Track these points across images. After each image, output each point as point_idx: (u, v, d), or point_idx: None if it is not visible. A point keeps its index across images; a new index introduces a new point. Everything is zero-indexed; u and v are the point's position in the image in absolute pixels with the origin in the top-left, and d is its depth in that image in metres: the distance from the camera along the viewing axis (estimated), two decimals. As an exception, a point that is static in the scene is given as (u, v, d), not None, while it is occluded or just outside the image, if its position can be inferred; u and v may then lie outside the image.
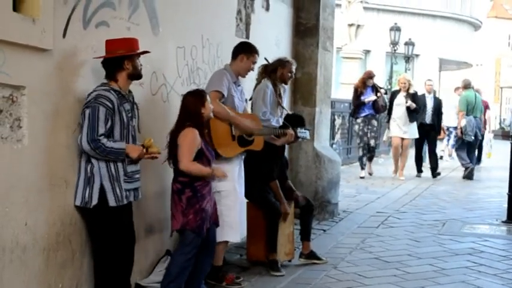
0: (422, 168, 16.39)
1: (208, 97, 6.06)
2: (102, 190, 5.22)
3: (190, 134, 5.87)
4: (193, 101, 5.98)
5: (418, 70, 34.25)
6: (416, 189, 14.03)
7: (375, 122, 15.52)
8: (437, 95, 18.18)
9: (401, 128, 15.47)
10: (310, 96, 10.14)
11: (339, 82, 23.61)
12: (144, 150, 5.39)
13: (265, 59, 7.79)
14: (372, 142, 15.35)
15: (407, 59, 31.33)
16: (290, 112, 8.30)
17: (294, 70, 7.90)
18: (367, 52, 31.16)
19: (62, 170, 5.11)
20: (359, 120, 15.19)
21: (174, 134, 5.91)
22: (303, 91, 10.11)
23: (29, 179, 4.73)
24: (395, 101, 15.50)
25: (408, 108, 15.24)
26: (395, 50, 29.60)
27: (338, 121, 17.93)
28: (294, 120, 7.62)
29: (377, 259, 7.96)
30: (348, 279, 7.08)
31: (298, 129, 7.45)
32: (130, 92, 5.50)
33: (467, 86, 16.74)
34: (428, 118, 16.17)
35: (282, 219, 7.46)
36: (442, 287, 6.86)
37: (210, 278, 6.67)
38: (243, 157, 7.05)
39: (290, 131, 7.32)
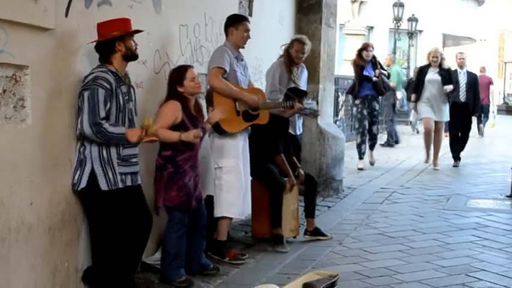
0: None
1: (191, 73, 6.04)
2: (92, 174, 5.15)
3: (168, 105, 5.95)
4: (171, 78, 6.09)
5: (421, 46, 34.03)
6: (420, 164, 14.02)
7: (376, 105, 13.16)
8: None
9: (433, 109, 13.34)
10: (314, 73, 10.10)
11: (342, 59, 23.53)
12: (144, 132, 5.26)
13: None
14: (374, 128, 13.29)
15: (411, 35, 31.17)
16: (302, 88, 8.25)
17: (303, 50, 7.94)
18: (370, 28, 31.02)
19: (66, 149, 5.11)
20: (358, 102, 13.11)
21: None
22: (306, 68, 10.08)
23: (33, 158, 4.74)
24: (427, 77, 13.29)
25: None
26: (398, 26, 29.43)
27: (342, 98, 17.91)
28: (295, 93, 7.60)
29: (382, 235, 7.98)
30: (353, 255, 7.10)
31: (305, 101, 7.45)
32: (126, 74, 5.44)
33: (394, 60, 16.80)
34: (462, 96, 13.73)
35: (288, 190, 7.49)
36: (446, 261, 6.87)
37: (214, 252, 6.71)
38: (248, 134, 7.05)
39: (297, 104, 7.30)
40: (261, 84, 8.19)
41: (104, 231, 5.30)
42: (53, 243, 5.01)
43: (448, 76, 13.26)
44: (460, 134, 13.94)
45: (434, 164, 13.56)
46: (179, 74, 6.04)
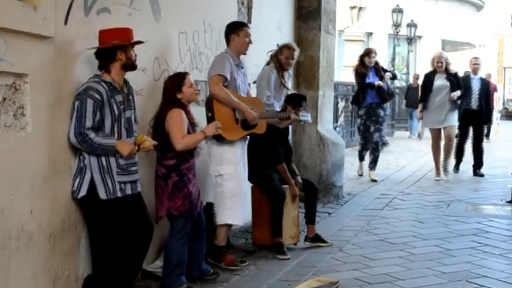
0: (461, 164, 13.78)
1: (189, 80, 6.04)
2: (92, 182, 5.15)
3: (177, 114, 5.91)
4: (169, 85, 6.05)
5: (420, 52, 34.12)
6: (421, 170, 14.02)
7: (380, 112, 12.33)
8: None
9: (441, 117, 12.38)
10: (313, 79, 10.14)
11: (342, 65, 23.57)
12: (136, 147, 5.28)
13: (277, 44, 7.94)
14: (376, 136, 12.35)
15: (410, 40, 31.24)
16: (293, 92, 8.31)
17: (293, 56, 7.90)
18: (369, 34, 31.09)
19: (66, 157, 5.11)
20: (362, 112, 12.40)
21: (159, 118, 5.94)
22: (305, 74, 10.10)
23: (33, 166, 4.74)
24: (436, 85, 12.37)
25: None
26: (397, 32, 29.49)
27: (341, 104, 17.92)
28: (294, 100, 7.62)
29: (382, 241, 7.97)
30: (354, 262, 7.09)
31: (300, 113, 7.46)
32: (126, 82, 5.43)
33: None
34: (474, 103, 13.05)
35: (292, 200, 7.50)
36: (447, 267, 6.86)
37: (211, 256, 6.71)
38: (246, 142, 7.07)
39: (293, 116, 7.33)
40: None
41: (104, 240, 5.29)
42: (54, 251, 5.00)
43: (456, 81, 12.39)
44: (472, 144, 13.38)
45: (437, 173, 12.80)
46: (178, 80, 6.02)
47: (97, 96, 5.07)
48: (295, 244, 7.68)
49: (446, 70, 12.41)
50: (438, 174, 12.70)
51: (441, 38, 36.53)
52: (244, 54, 7.01)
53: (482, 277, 6.55)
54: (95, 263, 5.36)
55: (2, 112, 4.44)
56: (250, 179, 7.26)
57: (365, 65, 12.25)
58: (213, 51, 7.48)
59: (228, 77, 6.65)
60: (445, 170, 12.86)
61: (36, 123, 4.73)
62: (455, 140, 12.98)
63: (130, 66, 5.37)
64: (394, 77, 12.76)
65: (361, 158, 12.85)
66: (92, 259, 5.38)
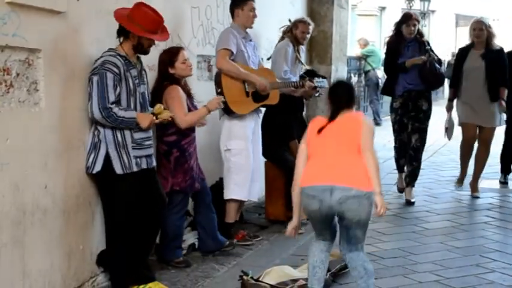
0: None
1: (182, 56, 6.02)
2: (107, 157, 5.16)
3: (175, 91, 5.93)
4: (162, 60, 6.06)
5: (434, 26, 33.87)
6: (434, 145, 13.92)
7: (423, 104, 8.49)
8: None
9: (476, 111, 8.84)
10: (326, 54, 10.11)
11: (355, 40, 23.45)
12: (155, 118, 5.31)
13: (289, 20, 7.87)
14: (414, 139, 8.58)
15: (423, 15, 30.93)
16: (309, 67, 8.30)
17: (308, 30, 7.86)
18: (382, 9, 30.84)
19: (79, 132, 5.13)
20: (396, 105, 8.55)
21: (155, 93, 5.93)
22: (318, 49, 10.06)
23: (47, 142, 4.75)
24: (466, 65, 8.86)
25: (493, 82, 8.71)
26: (411, 7, 29.25)
27: (354, 79, 17.85)
28: (309, 74, 7.63)
29: (395, 216, 7.97)
30: (367, 236, 6.97)
31: (315, 79, 7.44)
32: (138, 57, 5.42)
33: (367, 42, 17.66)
34: None
35: None
36: (460, 242, 6.87)
37: (222, 234, 6.74)
38: (260, 115, 7.06)
39: (308, 82, 7.30)
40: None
41: (119, 214, 5.30)
42: (68, 226, 5.03)
43: (500, 61, 8.78)
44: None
45: (473, 188, 9.22)
46: (171, 55, 6.03)
47: (115, 69, 5.07)
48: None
49: (488, 44, 8.82)
50: (461, 182, 9.69)
51: (455, 13, 36.28)
52: (250, 28, 6.97)
53: (495, 251, 6.56)
54: (109, 238, 5.39)
55: (15, 87, 4.45)
56: (263, 154, 7.26)
57: (402, 37, 8.57)
58: (225, 26, 7.45)
59: (234, 51, 6.63)
60: (475, 189, 9.25)
61: (50, 99, 4.74)
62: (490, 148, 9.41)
63: (139, 51, 5.34)
64: (439, 64, 8.74)
65: (400, 169, 9.00)
66: (106, 234, 5.40)
